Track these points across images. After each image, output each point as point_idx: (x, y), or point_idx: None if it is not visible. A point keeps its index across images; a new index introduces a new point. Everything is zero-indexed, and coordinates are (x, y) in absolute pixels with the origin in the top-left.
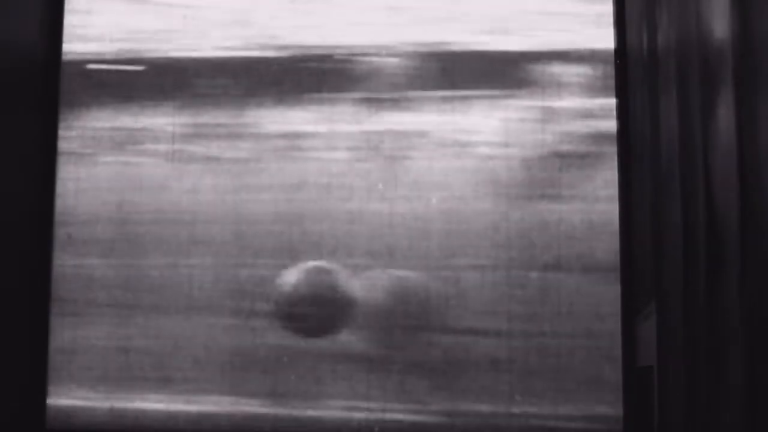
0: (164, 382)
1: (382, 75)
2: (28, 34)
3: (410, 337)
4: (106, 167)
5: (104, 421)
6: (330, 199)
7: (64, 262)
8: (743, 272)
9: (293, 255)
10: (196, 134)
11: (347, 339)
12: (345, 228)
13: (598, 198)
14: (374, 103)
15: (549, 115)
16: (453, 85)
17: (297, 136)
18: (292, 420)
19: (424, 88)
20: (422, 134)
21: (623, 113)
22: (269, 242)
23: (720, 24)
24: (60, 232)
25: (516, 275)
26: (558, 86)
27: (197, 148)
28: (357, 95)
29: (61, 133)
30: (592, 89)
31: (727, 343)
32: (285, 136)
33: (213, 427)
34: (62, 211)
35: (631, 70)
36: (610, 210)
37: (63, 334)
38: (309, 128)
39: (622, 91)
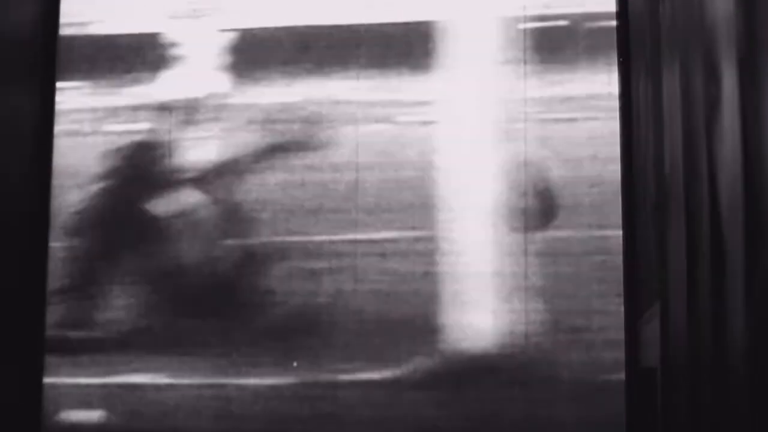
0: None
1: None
2: (26, 11)
3: None
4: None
5: (102, 415)
6: None
7: (60, 243)
8: (748, 273)
9: None
10: None
11: None
12: None
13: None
14: None
15: None
16: None
17: None
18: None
19: None
20: None
21: (626, 111)
22: None
23: (723, 10)
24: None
25: None
26: None
27: None
28: None
29: (58, 105)
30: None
31: (731, 345)
32: None
33: (213, 423)
34: (57, 187)
35: (633, 67)
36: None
37: (60, 321)
38: None
39: (624, 90)
